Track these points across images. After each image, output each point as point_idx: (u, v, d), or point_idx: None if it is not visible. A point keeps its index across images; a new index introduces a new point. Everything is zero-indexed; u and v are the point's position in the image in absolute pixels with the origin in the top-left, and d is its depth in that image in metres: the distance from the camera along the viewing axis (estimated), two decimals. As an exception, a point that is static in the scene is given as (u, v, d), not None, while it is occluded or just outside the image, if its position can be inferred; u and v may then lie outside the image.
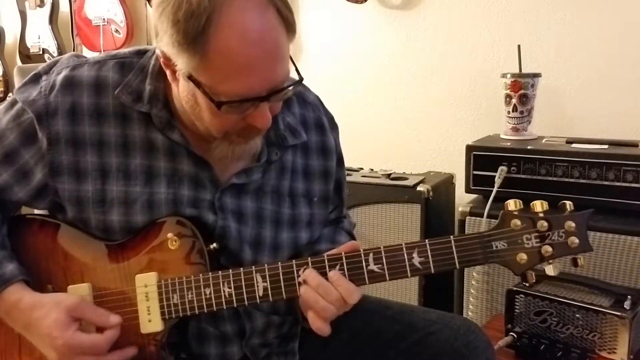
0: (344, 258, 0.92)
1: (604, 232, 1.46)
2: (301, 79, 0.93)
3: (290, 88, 0.92)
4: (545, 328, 1.37)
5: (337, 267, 0.92)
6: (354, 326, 1.10)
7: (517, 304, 1.41)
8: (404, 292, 1.85)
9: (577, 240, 0.87)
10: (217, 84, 0.85)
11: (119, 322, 0.95)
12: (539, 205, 0.89)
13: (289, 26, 0.88)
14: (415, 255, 0.90)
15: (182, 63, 0.86)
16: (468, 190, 1.69)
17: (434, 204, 1.79)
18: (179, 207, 0.99)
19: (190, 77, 0.87)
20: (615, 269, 1.46)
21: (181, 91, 0.92)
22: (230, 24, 0.81)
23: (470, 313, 1.66)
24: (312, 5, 2.33)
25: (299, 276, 0.92)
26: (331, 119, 1.17)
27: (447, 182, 1.93)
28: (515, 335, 1.40)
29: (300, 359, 1.13)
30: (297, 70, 0.94)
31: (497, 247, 0.89)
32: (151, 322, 0.96)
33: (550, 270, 0.88)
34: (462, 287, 1.70)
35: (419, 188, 1.78)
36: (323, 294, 0.91)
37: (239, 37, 0.82)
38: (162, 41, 0.86)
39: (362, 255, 0.92)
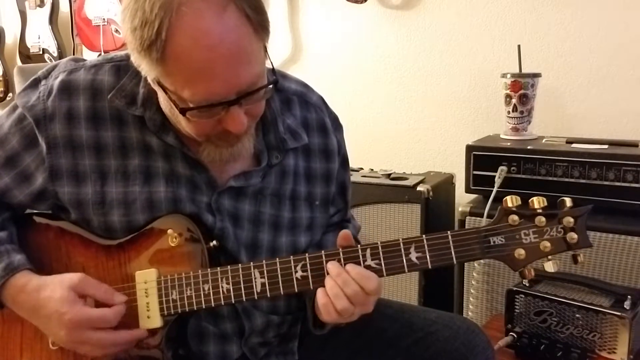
0: (341, 254, 0.91)
1: (604, 232, 1.46)
2: (276, 80, 0.91)
3: (264, 90, 0.89)
4: (545, 328, 1.37)
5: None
6: (353, 326, 1.09)
7: (517, 304, 1.40)
8: (404, 291, 1.84)
9: (575, 236, 0.86)
10: (179, 90, 0.84)
11: (124, 300, 0.95)
12: (537, 202, 0.88)
13: (256, 25, 0.84)
14: (412, 250, 0.90)
15: (145, 70, 0.86)
16: (468, 190, 1.68)
17: (434, 204, 1.79)
18: (178, 205, 0.99)
19: (158, 83, 0.87)
20: (615, 269, 1.46)
21: (159, 96, 0.93)
22: (184, 30, 0.80)
23: (470, 313, 1.66)
24: (312, 5, 2.33)
25: (296, 272, 0.92)
26: (335, 119, 1.15)
27: (447, 182, 1.93)
28: (515, 335, 1.40)
29: (300, 359, 1.13)
30: (273, 70, 0.92)
31: (494, 242, 0.88)
32: (150, 318, 0.96)
33: (549, 266, 0.87)
34: (462, 287, 1.69)
35: (419, 188, 1.78)
36: (342, 284, 0.89)
37: (193, 42, 0.80)
38: (128, 48, 0.87)
39: (360, 250, 0.91)
